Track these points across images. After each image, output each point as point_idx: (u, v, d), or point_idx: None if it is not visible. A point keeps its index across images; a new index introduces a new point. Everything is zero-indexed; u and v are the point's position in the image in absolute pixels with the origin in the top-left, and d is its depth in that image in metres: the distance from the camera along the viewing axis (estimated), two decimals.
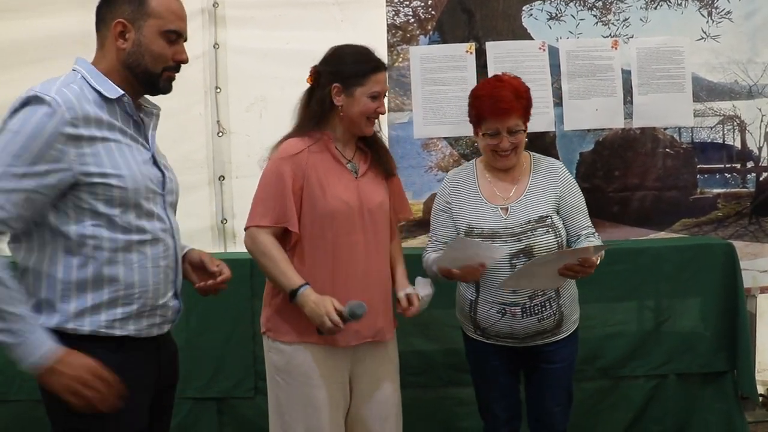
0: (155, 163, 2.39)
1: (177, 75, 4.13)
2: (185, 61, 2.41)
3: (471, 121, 3.15)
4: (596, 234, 3.19)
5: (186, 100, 4.20)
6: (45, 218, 2.21)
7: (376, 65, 2.94)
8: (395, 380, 3.14)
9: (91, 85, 2.26)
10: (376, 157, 3.07)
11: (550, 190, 3.13)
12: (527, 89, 3.11)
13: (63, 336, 2.20)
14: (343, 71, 2.92)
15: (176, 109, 4.15)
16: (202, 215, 4.25)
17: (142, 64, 2.31)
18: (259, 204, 2.91)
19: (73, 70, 2.31)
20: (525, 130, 3.09)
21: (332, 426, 2.95)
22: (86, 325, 2.24)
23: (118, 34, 2.29)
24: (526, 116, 3.08)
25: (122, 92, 2.28)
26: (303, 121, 3.01)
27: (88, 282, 2.23)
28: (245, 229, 2.94)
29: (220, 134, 4.22)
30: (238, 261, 3.84)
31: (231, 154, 4.24)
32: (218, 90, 4.22)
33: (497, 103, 3.01)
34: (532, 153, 3.23)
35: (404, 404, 3.85)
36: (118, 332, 2.28)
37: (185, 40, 2.42)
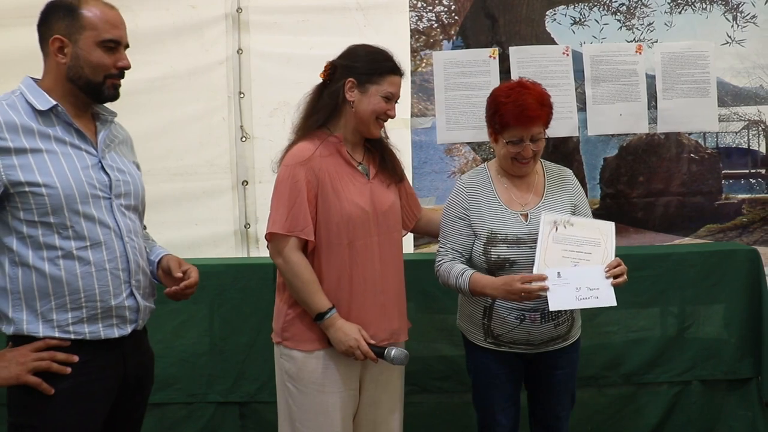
0: (102, 167, 2.45)
1: (200, 79, 4.23)
2: (127, 67, 2.48)
3: (491, 126, 3.09)
4: None
5: (210, 105, 4.22)
6: None
7: (394, 67, 2.95)
8: (400, 389, 3.16)
9: (26, 100, 2.36)
10: (383, 160, 3.07)
11: (565, 197, 3.12)
12: (549, 96, 3.07)
13: (22, 339, 2.35)
14: (360, 67, 2.92)
15: (200, 114, 4.21)
16: (225, 220, 4.26)
17: (83, 76, 2.40)
18: (275, 212, 2.89)
19: (17, 87, 2.41)
20: (547, 127, 3.06)
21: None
22: (40, 331, 2.34)
23: (56, 50, 2.38)
24: (548, 123, 3.06)
25: (53, 103, 2.36)
26: (309, 116, 2.99)
27: (34, 291, 2.33)
28: (267, 239, 2.94)
29: (244, 139, 4.23)
30: (262, 266, 3.87)
31: (254, 159, 4.25)
32: (242, 95, 4.23)
33: (524, 111, 2.96)
34: (541, 159, 3.19)
35: (428, 409, 3.88)
36: (73, 336, 2.36)
37: (127, 47, 2.49)
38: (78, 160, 2.39)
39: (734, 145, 4.36)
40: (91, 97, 2.45)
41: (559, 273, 2.86)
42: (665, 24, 4.29)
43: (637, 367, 4.00)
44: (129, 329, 2.49)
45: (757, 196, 4.35)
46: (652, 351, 4.01)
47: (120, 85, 2.49)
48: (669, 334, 4.04)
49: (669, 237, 4.33)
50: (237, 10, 4.21)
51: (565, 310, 3.00)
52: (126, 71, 2.49)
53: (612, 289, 2.87)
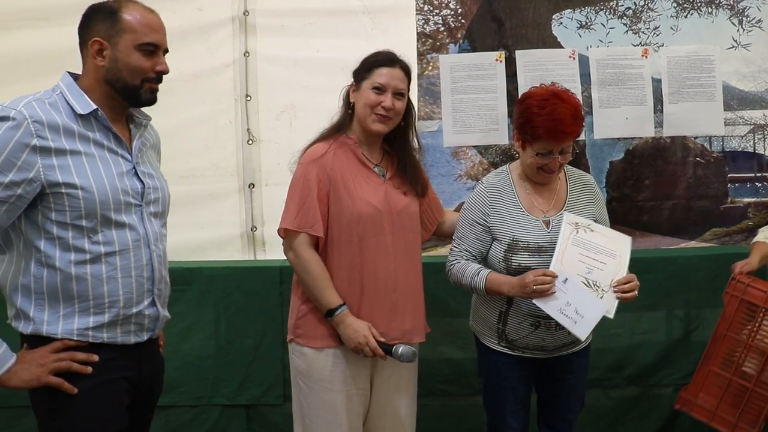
0: (136, 173, 2.47)
1: (207, 82, 4.23)
2: (166, 72, 2.49)
3: (520, 133, 3.04)
4: None
5: (216, 108, 4.23)
6: (21, 231, 2.34)
7: (383, 59, 3.01)
8: (413, 393, 3.18)
9: (67, 100, 2.37)
10: (403, 165, 3.11)
11: (588, 204, 3.13)
12: (581, 107, 3.02)
13: (39, 339, 2.36)
14: (356, 69, 3.04)
15: (206, 117, 4.22)
16: (231, 223, 4.26)
17: (121, 79, 2.40)
18: (287, 208, 2.98)
19: (56, 84, 2.41)
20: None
21: (352, 431, 3.00)
22: (59, 333, 2.35)
23: (95, 53, 2.39)
24: (579, 136, 3.04)
25: (94, 107, 2.37)
26: (328, 127, 3.10)
27: (58, 292, 2.34)
28: (280, 235, 3.01)
29: (250, 142, 4.23)
30: (268, 269, 3.89)
31: (261, 162, 4.25)
32: (248, 98, 4.23)
33: (558, 125, 2.91)
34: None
35: (434, 412, 3.88)
36: (91, 339, 2.38)
37: (166, 51, 2.51)
38: (114, 166, 2.40)
39: (740, 149, 4.35)
40: (129, 101, 2.47)
41: (566, 280, 2.88)
42: (671, 28, 4.29)
43: (643, 369, 4.02)
44: (145, 337, 2.52)
45: (762, 199, 4.35)
46: (658, 354, 4.03)
47: (158, 90, 2.50)
48: (674, 337, 4.05)
49: (675, 240, 4.32)
50: (244, 13, 4.21)
51: None
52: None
53: (592, 327, 2.90)
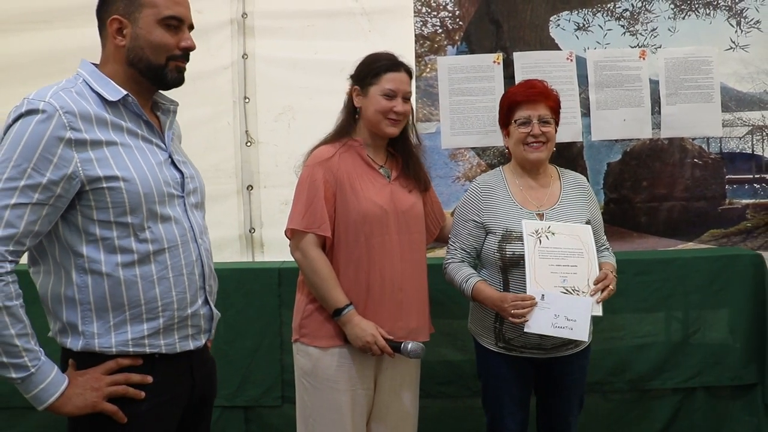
0: (173, 163, 2.29)
1: (205, 84, 4.22)
2: (192, 48, 2.29)
3: (502, 119, 3.20)
4: (610, 249, 3.28)
5: (215, 110, 4.24)
6: (58, 236, 2.12)
7: (390, 64, 3.03)
8: (416, 393, 3.18)
9: (92, 88, 2.17)
10: (407, 166, 3.13)
11: (582, 202, 3.16)
12: (557, 93, 3.18)
13: (92, 357, 2.14)
14: (360, 73, 3.05)
15: (205, 119, 4.22)
16: (230, 225, 4.27)
17: (144, 58, 2.20)
18: (294, 209, 2.99)
19: (76, 73, 2.21)
20: (555, 126, 3.14)
21: (356, 431, 3.00)
22: (113, 345, 2.15)
23: (115, 32, 2.19)
24: (555, 114, 3.14)
25: (124, 93, 2.18)
26: (334, 130, 3.10)
27: (106, 300, 2.13)
28: (287, 236, 3.02)
29: (249, 144, 4.24)
30: (266, 270, 3.88)
31: (259, 163, 4.26)
32: (247, 100, 4.24)
33: (531, 89, 3.13)
34: (556, 166, 3.27)
35: (433, 414, 3.87)
36: (148, 350, 2.19)
37: (191, 28, 2.32)
38: (151, 155, 2.21)
39: (738, 150, 4.36)
40: (154, 82, 2.26)
41: (543, 296, 2.92)
42: (669, 29, 4.30)
43: (643, 372, 4.00)
44: (203, 340, 2.35)
45: (761, 201, 4.35)
46: (658, 357, 4.01)
47: (185, 69, 2.30)
48: (674, 340, 4.03)
49: (673, 242, 4.33)
50: (242, 15, 4.22)
51: None
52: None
53: (588, 324, 2.93)
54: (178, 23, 2.24)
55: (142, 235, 2.15)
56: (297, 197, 2.99)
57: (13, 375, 2.04)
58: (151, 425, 2.20)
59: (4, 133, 2.07)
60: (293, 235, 2.98)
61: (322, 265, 2.93)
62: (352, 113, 3.08)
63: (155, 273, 2.18)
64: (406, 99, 3.04)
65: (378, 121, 3.00)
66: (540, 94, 3.10)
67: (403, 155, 3.13)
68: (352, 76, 3.08)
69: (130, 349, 2.16)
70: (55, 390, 2.07)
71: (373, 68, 3.01)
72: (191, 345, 2.28)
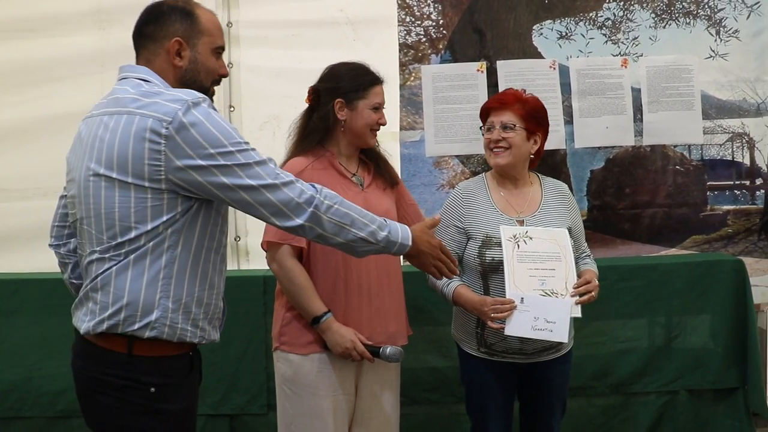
0: None
1: None
2: (227, 75, 2.49)
3: (482, 127, 3.24)
4: (591, 256, 3.31)
5: None
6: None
7: (375, 78, 3.05)
8: (396, 396, 3.19)
9: None
10: (378, 168, 3.16)
11: (562, 209, 3.18)
12: (537, 101, 3.20)
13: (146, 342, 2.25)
14: (344, 87, 3.02)
15: None
16: None
17: (198, 80, 2.35)
18: None
19: (147, 81, 2.29)
20: (533, 133, 3.14)
21: None
22: (179, 322, 2.27)
23: (175, 53, 2.32)
24: (527, 121, 3.11)
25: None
26: (302, 139, 3.08)
27: (184, 281, 2.28)
28: (263, 248, 3.03)
29: None
30: (252, 278, 3.89)
31: None
32: (232, 109, 4.26)
33: (498, 97, 3.21)
34: (538, 173, 3.29)
35: (418, 421, 3.88)
36: (198, 333, 2.33)
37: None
38: None
39: (719, 157, 4.41)
40: None
41: (522, 299, 2.94)
42: (650, 38, 4.34)
43: (626, 377, 4.03)
44: (218, 334, 2.48)
45: (741, 207, 4.40)
46: (640, 361, 4.04)
47: (215, 93, 2.49)
48: (656, 345, 4.07)
49: (655, 248, 4.36)
50: (227, 25, 4.23)
51: None
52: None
53: (567, 326, 2.96)
54: (222, 51, 2.43)
55: (224, 228, 2.44)
56: None
57: (383, 233, 2.43)
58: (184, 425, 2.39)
59: (192, 123, 2.16)
60: (269, 247, 2.99)
61: (299, 275, 2.94)
62: (327, 124, 3.03)
63: (219, 263, 2.41)
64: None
65: (366, 133, 3.03)
66: (503, 102, 3.14)
67: (371, 158, 3.16)
68: (332, 89, 3.02)
69: (188, 327, 2.32)
70: (407, 233, 2.48)
71: (361, 82, 3.02)
72: (216, 337, 2.46)
